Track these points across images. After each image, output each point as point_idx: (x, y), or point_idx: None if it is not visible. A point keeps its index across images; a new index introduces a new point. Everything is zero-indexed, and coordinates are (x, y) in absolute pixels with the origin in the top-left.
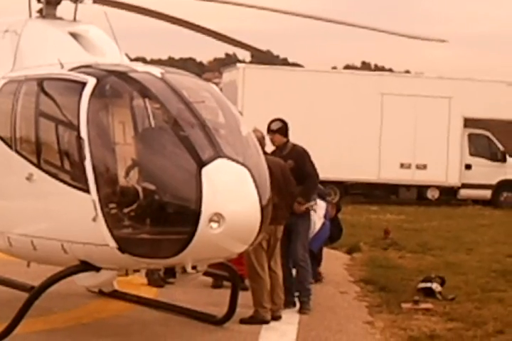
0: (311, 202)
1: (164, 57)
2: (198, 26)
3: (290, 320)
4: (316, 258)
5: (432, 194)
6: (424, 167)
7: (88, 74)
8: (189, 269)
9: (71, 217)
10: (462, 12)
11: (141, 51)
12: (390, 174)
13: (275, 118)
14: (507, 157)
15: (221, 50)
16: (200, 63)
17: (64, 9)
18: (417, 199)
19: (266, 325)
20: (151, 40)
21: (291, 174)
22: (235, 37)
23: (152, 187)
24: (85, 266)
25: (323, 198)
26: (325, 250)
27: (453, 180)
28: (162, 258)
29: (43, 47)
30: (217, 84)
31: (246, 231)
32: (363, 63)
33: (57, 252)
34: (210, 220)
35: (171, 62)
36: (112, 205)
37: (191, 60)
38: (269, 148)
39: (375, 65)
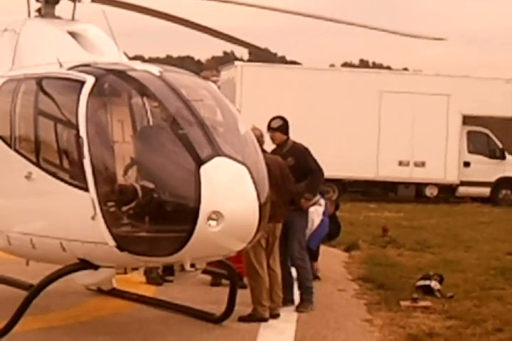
0: (317, 196)
1: (162, 55)
2: (195, 24)
3: (288, 318)
4: (314, 255)
5: (431, 191)
6: (423, 164)
7: (87, 73)
8: (188, 267)
9: (70, 216)
10: (460, 10)
11: (139, 49)
12: (389, 172)
13: (276, 115)
14: (506, 154)
15: (219, 48)
16: (198, 61)
17: (62, 8)
18: (415, 196)
19: (264, 323)
20: (149, 39)
21: (290, 172)
22: (233, 35)
23: (151, 185)
24: (84, 264)
25: (322, 195)
26: (323, 248)
27: (451, 178)
28: (161, 256)
29: (42, 46)
30: (215, 82)
31: (244, 229)
32: (361, 61)
33: (56, 250)
34: (209, 218)
35: (168, 61)
36: (110, 204)
37: (189, 58)
38: (268, 146)
39: (373, 63)
